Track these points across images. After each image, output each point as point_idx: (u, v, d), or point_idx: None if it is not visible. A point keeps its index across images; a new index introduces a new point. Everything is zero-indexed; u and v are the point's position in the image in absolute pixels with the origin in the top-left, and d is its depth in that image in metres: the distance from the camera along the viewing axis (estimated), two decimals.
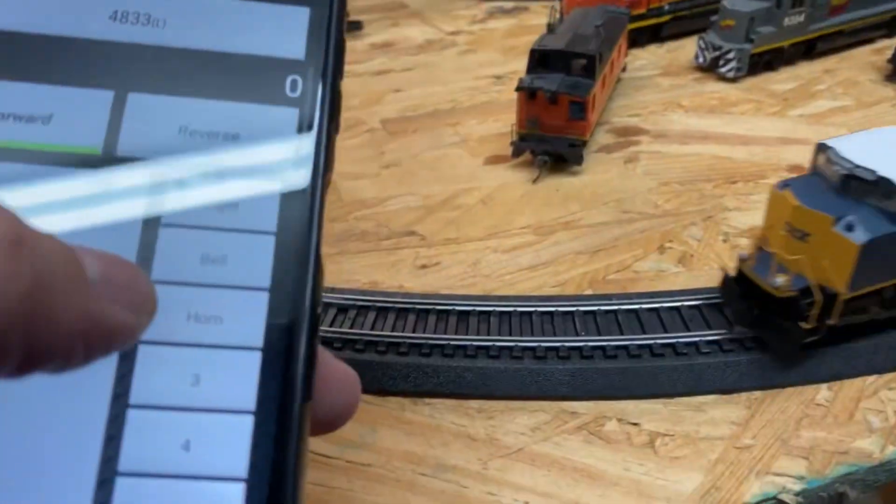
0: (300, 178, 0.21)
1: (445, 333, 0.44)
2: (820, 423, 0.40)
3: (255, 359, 0.19)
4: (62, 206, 0.20)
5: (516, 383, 0.42)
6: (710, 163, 0.64)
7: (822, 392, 0.42)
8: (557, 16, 0.86)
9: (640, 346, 0.43)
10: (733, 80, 0.78)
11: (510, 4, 1.05)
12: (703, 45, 0.80)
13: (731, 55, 0.77)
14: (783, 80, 0.80)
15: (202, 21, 0.22)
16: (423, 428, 0.40)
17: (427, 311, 0.46)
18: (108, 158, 0.20)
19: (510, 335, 0.44)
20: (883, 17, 0.88)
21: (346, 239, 0.56)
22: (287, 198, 0.20)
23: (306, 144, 0.21)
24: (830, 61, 0.84)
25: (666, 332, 0.44)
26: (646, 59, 0.85)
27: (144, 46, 0.21)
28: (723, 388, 0.42)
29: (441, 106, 0.77)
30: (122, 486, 0.18)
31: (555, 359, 0.42)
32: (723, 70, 0.78)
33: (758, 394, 0.42)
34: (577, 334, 0.44)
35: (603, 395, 0.41)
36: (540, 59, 0.62)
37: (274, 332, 0.19)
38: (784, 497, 0.36)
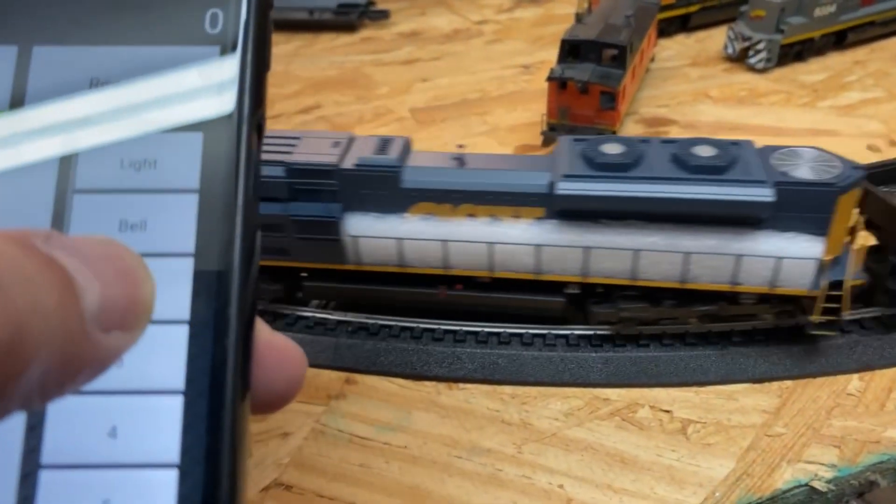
0: (225, 126, 0.18)
1: (478, 321, 0.45)
2: (851, 412, 0.40)
3: (182, 333, 0.17)
4: None
5: (550, 370, 0.42)
6: None
7: (854, 382, 0.42)
8: (586, 5, 0.86)
9: (673, 336, 0.43)
10: (763, 70, 0.78)
11: None
12: (732, 36, 0.80)
13: (760, 45, 0.77)
14: (813, 70, 0.79)
15: None
16: (458, 412, 0.41)
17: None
18: (13, 119, 0.18)
19: (543, 323, 0.44)
20: None
21: None
22: (211, 149, 0.18)
23: (229, 87, 0.19)
24: (861, 52, 0.84)
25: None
26: (674, 50, 0.85)
27: None
28: (754, 377, 0.42)
29: (469, 95, 0.77)
30: (46, 479, 0.16)
31: (588, 347, 0.43)
32: (752, 61, 0.78)
33: (789, 383, 0.42)
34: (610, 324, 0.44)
35: (635, 383, 0.42)
36: (571, 49, 0.63)
37: (201, 302, 0.17)
38: (815, 484, 0.36)
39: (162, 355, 0.17)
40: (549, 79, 0.61)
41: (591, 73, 0.61)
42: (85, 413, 0.16)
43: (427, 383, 0.43)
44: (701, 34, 0.88)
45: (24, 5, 0.19)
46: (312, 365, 0.44)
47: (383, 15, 0.96)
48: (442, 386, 0.43)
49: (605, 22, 0.65)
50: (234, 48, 0.19)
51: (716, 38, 0.86)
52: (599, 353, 0.43)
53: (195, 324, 0.17)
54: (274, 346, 0.20)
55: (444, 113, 0.74)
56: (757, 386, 0.42)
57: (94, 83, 0.19)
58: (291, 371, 0.20)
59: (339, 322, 0.45)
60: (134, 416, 0.17)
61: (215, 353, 0.17)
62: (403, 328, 0.44)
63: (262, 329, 0.19)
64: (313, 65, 0.86)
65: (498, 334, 0.44)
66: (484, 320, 0.45)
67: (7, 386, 0.13)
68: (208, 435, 0.17)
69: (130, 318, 0.15)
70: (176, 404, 0.17)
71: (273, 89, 0.75)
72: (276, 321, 0.46)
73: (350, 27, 0.95)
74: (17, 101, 0.18)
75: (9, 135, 0.18)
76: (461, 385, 0.43)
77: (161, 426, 0.17)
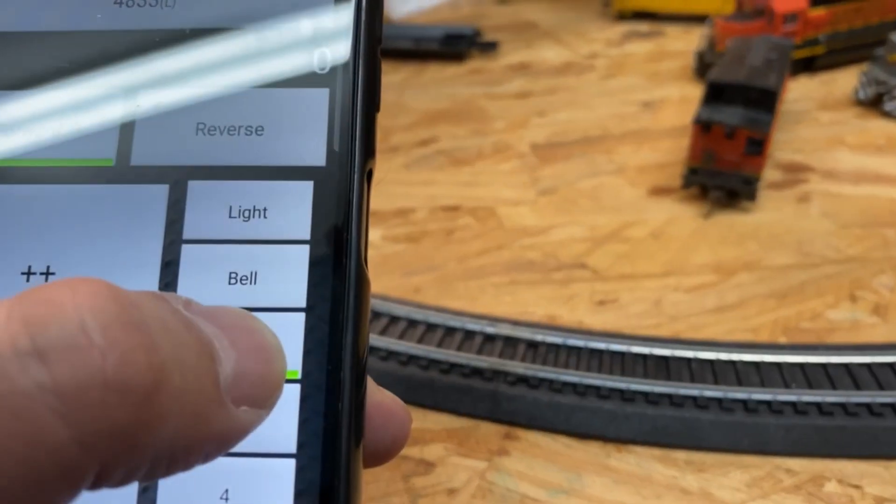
0: (336, 174, 0.18)
1: (645, 378, 0.43)
2: None
3: (294, 393, 0.17)
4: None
5: (728, 436, 0.40)
6: (888, 206, 0.61)
7: None
8: (705, 43, 0.84)
9: (858, 405, 0.41)
10: None
11: (645, 27, 1.03)
12: (865, 80, 0.77)
13: None
14: None
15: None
16: (632, 477, 0.39)
17: (622, 354, 0.45)
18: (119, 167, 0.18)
19: (716, 384, 0.42)
20: None
21: (515, 268, 0.55)
22: (322, 198, 0.18)
23: (340, 129, 0.18)
24: None
25: (881, 389, 0.42)
26: (799, 91, 0.82)
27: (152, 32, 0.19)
28: None
29: (591, 132, 0.76)
30: None
31: (767, 412, 0.41)
32: (888, 107, 0.75)
33: None
34: (787, 387, 0.42)
35: (819, 454, 0.39)
36: (716, 92, 0.60)
37: (312, 361, 0.17)
38: None
39: (273, 416, 0.16)
40: (697, 121, 0.59)
41: (739, 118, 0.58)
42: (198, 476, 0.15)
43: (593, 443, 0.41)
44: (825, 76, 0.86)
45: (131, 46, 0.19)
46: (469, 415, 0.43)
47: (492, 47, 0.96)
48: (610, 447, 0.41)
49: (746, 63, 0.63)
50: (343, 89, 0.18)
51: (840, 82, 0.83)
52: (780, 420, 0.40)
53: (307, 384, 0.17)
54: (381, 404, 0.19)
55: (567, 150, 0.72)
56: None
57: (201, 129, 0.18)
58: (397, 430, 0.19)
59: (496, 372, 0.43)
60: (246, 480, 0.16)
61: (328, 415, 0.17)
62: (566, 383, 0.42)
63: (369, 386, 0.19)
64: (425, 95, 0.85)
65: (670, 395, 0.41)
66: (652, 377, 0.42)
67: (141, 438, 0.12)
68: (322, 499, 0.16)
69: (262, 394, 0.14)
70: (288, 467, 0.17)
71: (387, 120, 0.74)
72: (428, 367, 0.44)
73: (458, 57, 0.94)
74: (123, 152, 0.18)
75: (115, 179, 0.18)
76: (630, 447, 0.41)
77: (273, 490, 0.16)
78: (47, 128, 0.18)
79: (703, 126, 0.59)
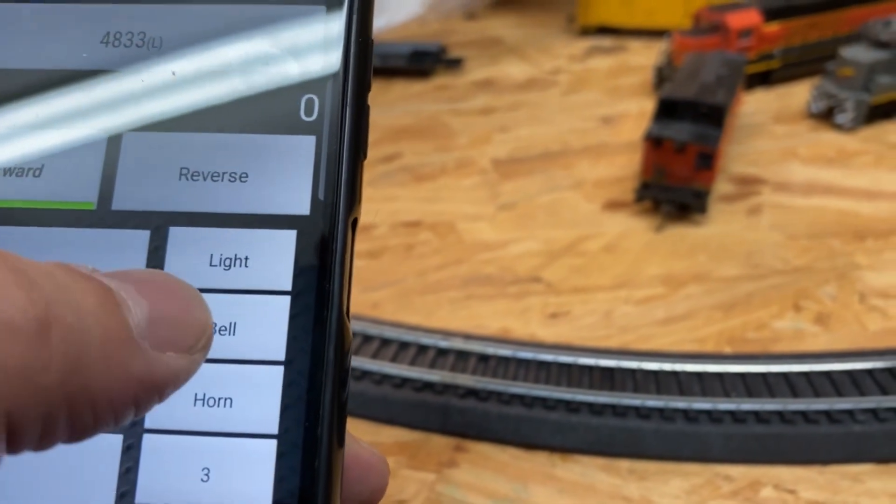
0: (320, 222, 0.17)
1: (591, 389, 0.44)
2: None
3: (270, 450, 0.17)
4: None
5: (670, 445, 0.41)
6: (835, 217, 0.63)
7: None
8: (665, 59, 0.86)
9: (794, 412, 0.42)
10: (850, 130, 0.77)
11: (609, 43, 1.05)
12: (817, 94, 0.79)
13: (848, 105, 0.76)
14: None
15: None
16: (576, 486, 0.40)
17: (569, 366, 0.46)
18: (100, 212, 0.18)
19: (658, 394, 0.44)
20: None
21: (472, 282, 0.56)
22: (304, 248, 0.17)
23: (325, 178, 0.18)
24: None
25: (817, 396, 0.43)
26: (754, 105, 0.84)
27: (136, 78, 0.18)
28: (879, 457, 0.41)
29: (551, 147, 0.77)
30: None
31: (707, 421, 0.42)
32: (839, 120, 0.77)
33: None
34: (728, 396, 0.43)
35: (757, 461, 0.41)
36: (667, 108, 0.62)
37: (291, 417, 0.17)
38: None
39: (248, 472, 0.16)
40: (647, 137, 0.61)
41: (688, 133, 0.60)
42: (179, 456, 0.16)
43: (540, 453, 0.42)
44: (781, 90, 0.88)
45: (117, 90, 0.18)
46: (422, 428, 0.44)
47: (457, 63, 0.97)
48: (556, 457, 0.42)
49: (699, 81, 0.65)
50: (330, 137, 0.18)
51: (796, 95, 0.85)
52: (720, 428, 0.42)
53: (283, 441, 0.16)
54: (358, 457, 0.19)
55: (528, 165, 0.74)
56: (883, 467, 0.41)
57: (185, 174, 0.18)
58: (375, 484, 0.19)
59: (447, 385, 0.44)
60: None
61: (303, 476, 0.16)
62: (514, 395, 0.44)
63: (346, 439, 0.18)
64: (391, 112, 0.86)
65: (613, 406, 0.43)
66: (598, 387, 0.44)
67: (42, 379, 0.12)
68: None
69: (183, 337, 0.14)
70: None
71: None
72: (382, 382, 0.45)
73: (424, 73, 0.96)
74: (105, 195, 0.18)
75: (96, 223, 0.18)
76: (575, 457, 0.42)
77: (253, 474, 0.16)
78: (28, 168, 0.18)
79: (654, 141, 0.61)
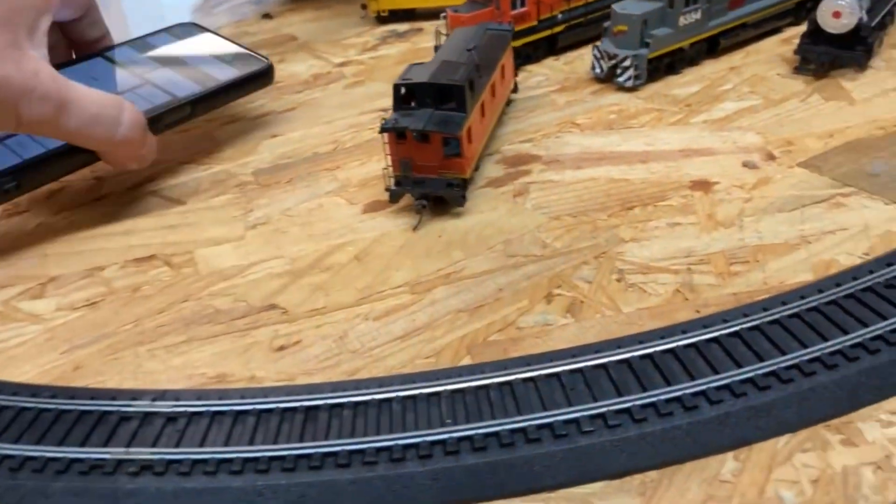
0: None
1: (289, 442, 0.37)
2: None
3: None
4: None
5: (368, 497, 0.35)
6: (605, 188, 0.58)
7: (728, 464, 0.35)
8: (443, 38, 0.80)
9: (513, 432, 0.36)
10: (633, 88, 0.73)
11: (404, 27, 0.99)
12: (598, 55, 0.74)
13: (627, 63, 0.72)
14: (686, 83, 0.74)
15: None
16: None
17: (269, 412, 0.39)
18: None
19: (364, 434, 0.37)
20: (787, 4, 0.83)
21: (195, 322, 0.49)
22: None
23: None
24: (736, 57, 0.79)
25: (544, 409, 0.38)
26: (543, 76, 0.79)
27: None
28: (611, 472, 0.35)
29: (321, 148, 0.70)
30: None
31: (415, 459, 0.36)
32: (620, 80, 0.73)
33: (653, 474, 0.35)
34: (443, 423, 0.37)
35: (474, 498, 0.35)
36: (405, 95, 0.56)
37: None
38: None
39: None
40: (382, 129, 0.54)
41: (427, 120, 0.54)
42: None
43: None
44: (570, 55, 0.83)
45: None
46: None
47: None
48: None
49: (443, 60, 0.59)
50: None
51: (586, 59, 0.81)
52: (428, 465, 0.36)
53: None
54: None
55: (291, 172, 0.67)
56: (616, 483, 0.35)
57: None
58: None
59: (120, 462, 0.37)
60: None
61: None
62: (197, 462, 0.37)
63: None
64: None
65: (308, 456, 0.36)
66: (290, 438, 0.37)
67: None
68: None
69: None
70: None
71: (102, 165, 0.67)
72: (42, 471, 0.38)
73: None
74: None
75: None
76: None
77: None
78: None
79: (395, 134, 0.55)
